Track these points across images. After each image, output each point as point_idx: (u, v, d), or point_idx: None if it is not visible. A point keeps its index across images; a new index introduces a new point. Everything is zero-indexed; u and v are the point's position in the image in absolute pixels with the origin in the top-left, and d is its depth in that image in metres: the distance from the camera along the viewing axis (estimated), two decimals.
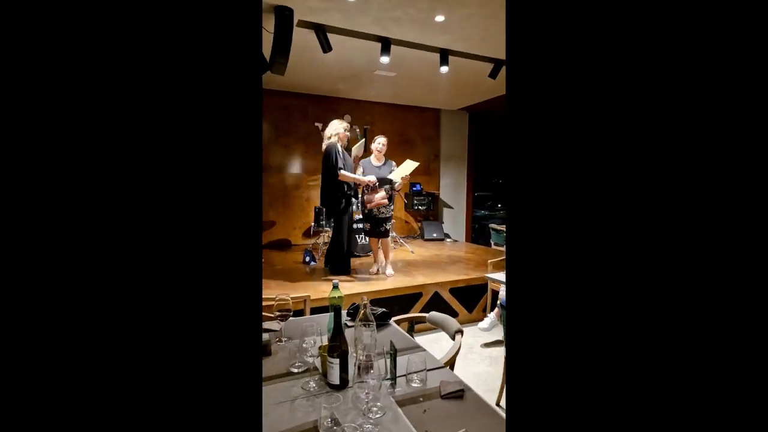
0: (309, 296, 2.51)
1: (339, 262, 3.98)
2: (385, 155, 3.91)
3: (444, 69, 4.12)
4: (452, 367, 1.61)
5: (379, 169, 3.84)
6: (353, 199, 3.98)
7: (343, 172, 3.69)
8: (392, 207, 3.91)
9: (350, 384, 1.30)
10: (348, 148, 4.10)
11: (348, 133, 3.89)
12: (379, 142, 3.83)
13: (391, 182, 3.83)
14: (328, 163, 3.72)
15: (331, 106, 5.86)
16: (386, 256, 4.00)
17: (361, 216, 4.84)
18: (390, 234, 4.05)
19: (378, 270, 4.00)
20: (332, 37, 3.50)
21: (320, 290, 3.38)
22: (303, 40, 3.54)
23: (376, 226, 3.87)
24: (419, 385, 1.31)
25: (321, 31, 3.43)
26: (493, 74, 4.28)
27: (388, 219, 3.86)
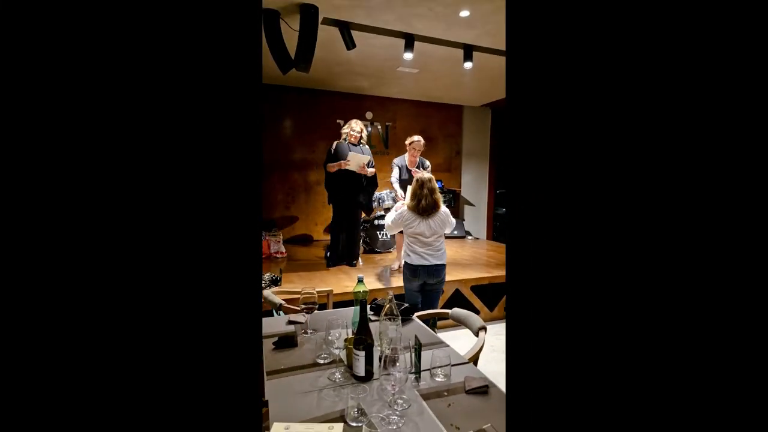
0: (332, 290, 2.55)
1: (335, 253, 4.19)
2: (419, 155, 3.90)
3: (468, 65, 4.07)
4: (476, 363, 1.61)
5: (411, 172, 3.82)
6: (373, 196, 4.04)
7: (329, 164, 3.86)
8: None
9: (375, 376, 1.33)
10: (367, 144, 4.17)
11: (358, 134, 3.95)
12: (412, 145, 3.82)
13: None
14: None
15: (354, 104, 5.89)
16: None
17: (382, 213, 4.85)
18: None
19: (399, 266, 4.01)
20: (356, 35, 3.52)
21: (342, 285, 3.42)
22: (327, 37, 3.58)
23: None
24: (443, 380, 1.32)
25: (345, 28, 3.45)
26: None
27: None
